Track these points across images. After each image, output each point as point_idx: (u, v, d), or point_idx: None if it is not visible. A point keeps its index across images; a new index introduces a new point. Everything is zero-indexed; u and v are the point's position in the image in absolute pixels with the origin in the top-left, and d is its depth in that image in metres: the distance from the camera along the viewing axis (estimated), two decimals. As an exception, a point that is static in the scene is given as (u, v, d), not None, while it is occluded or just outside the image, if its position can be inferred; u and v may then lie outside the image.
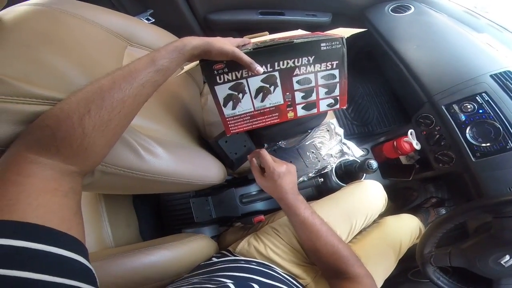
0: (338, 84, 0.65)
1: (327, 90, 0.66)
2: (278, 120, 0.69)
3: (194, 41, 0.48)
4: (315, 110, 0.69)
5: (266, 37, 0.71)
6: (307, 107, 0.68)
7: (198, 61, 0.56)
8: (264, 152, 0.66)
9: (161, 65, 0.42)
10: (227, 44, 0.52)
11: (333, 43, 0.58)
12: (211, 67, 0.56)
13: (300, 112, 0.69)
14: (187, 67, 0.67)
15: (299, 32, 0.75)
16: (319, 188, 0.95)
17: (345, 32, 0.63)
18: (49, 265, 0.25)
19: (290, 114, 0.68)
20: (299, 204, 0.62)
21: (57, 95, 0.35)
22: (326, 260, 0.59)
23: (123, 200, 0.88)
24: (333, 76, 0.64)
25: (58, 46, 0.44)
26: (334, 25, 0.78)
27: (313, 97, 0.66)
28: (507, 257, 0.59)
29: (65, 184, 0.32)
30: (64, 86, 0.38)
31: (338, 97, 0.68)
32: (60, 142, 0.32)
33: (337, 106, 0.70)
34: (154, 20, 0.95)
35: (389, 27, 1.03)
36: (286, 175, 0.63)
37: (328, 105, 0.70)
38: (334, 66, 0.62)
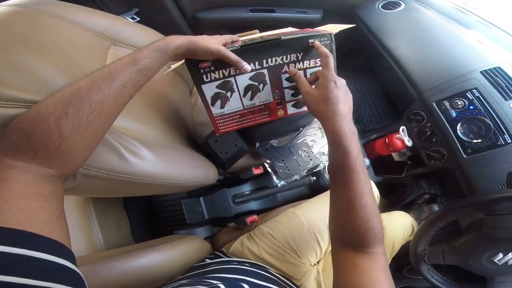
0: None
1: None
2: (269, 118, 0.68)
3: (178, 41, 0.47)
4: (305, 108, 0.69)
5: (256, 35, 0.70)
6: (297, 104, 0.67)
7: (184, 60, 0.55)
8: (328, 53, 0.52)
9: (143, 65, 0.41)
10: (213, 42, 0.50)
11: (322, 39, 0.57)
12: (197, 65, 0.55)
13: (290, 110, 0.68)
14: (173, 66, 0.66)
15: (289, 29, 0.74)
16: (312, 186, 0.95)
17: (334, 28, 0.62)
18: (33, 269, 0.25)
19: (280, 112, 0.67)
20: (354, 140, 0.46)
21: (35, 97, 0.34)
22: (353, 226, 0.46)
23: (113, 203, 0.86)
24: None
25: (35, 48, 0.43)
26: (325, 22, 0.77)
27: None
28: (500, 255, 0.59)
29: (46, 188, 0.31)
30: (42, 88, 0.36)
31: None
32: (36, 146, 0.31)
33: None
34: (139, 19, 0.93)
35: (379, 24, 1.02)
36: (345, 92, 0.50)
37: None
38: None
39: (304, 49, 0.58)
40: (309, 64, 0.60)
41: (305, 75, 0.62)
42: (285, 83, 0.62)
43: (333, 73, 0.50)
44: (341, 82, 0.50)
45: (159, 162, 0.53)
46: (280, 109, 0.67)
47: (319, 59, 0.60)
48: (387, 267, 0.47)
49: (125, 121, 0.56)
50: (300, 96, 0.65)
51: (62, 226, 0.31)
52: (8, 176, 0.29)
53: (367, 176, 0.47)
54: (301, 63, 0.60)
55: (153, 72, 0.44)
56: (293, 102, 0.67)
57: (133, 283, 0.53)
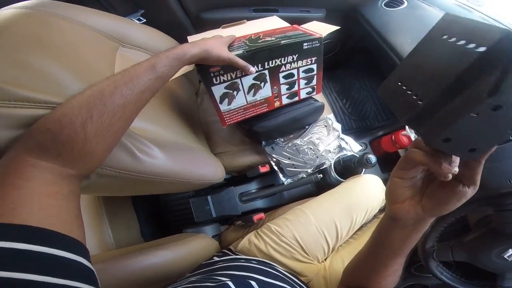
0: (315, 76, 0.77)
1: (306, 81, 0.77)
2: (267, 109, 0.78)
3: (194, 50, 0.51)
4: (296, 98, 0.81)
5: (248, 30, 0.76)
6: (290, 96, 0.79)
7: (194, 65, 0.59)
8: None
9: (161, 72, 0.43)
10: (224, 50, 0.56)
11: (313, 43, 0.67)
12: (208, 70, 0.61)
13: (285, 100, 0.79)
14: (183, 69, 0.67)
15: (275, 21, 0.84)
16: (318, 184, 0.95)
17: (322, 28, 0.72)
18: (52, 267, 0.25)
19: (277, 103, 0.78)
20: None
21: (50, 98, 0.35)
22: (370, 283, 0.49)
23: (123, 202, 0.88)
24: (312, 70, 0.74)
25: (48, 49, 0.43)
26: (328, 21, 0.79)
27: (295, 87, 0.77)
28: (510, 251, 0.58)
29: (65, 187, 0.32)
30: (56, 89, 0.37)
31: (315, 86, 0.80)
32: (61, 147, 0.32)
33: (314, 93, 0.83)
34: (145, 20, 0.94)
35: (382, 22, 1.03)
36: None
37: (307, 93, 0.81)
38: (313, 61, 0.72)
39: (299, 51, 0.67)
40: (302, 63, 0.71)
41: (298, 73, 0.73)
42: (282, 80, 0.73)
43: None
44: None
45: (169, 160, 0.54)
46: (276, 101, 0.78)
47: (310, 59, 0.71)
48: None
49: (137, 121, 0.56)
50: (294, 89, 0.77)
51: (79, 225, 0.32)
52: (32, 174, 0.30)
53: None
54: (295, 63, 0.70)
55: (168, 79, 0.46)
56: (288, 95, 0.78)
57: (144, 281, 0.54)
